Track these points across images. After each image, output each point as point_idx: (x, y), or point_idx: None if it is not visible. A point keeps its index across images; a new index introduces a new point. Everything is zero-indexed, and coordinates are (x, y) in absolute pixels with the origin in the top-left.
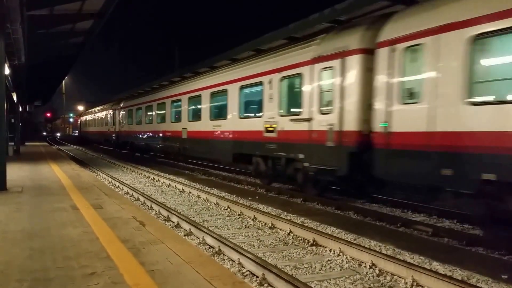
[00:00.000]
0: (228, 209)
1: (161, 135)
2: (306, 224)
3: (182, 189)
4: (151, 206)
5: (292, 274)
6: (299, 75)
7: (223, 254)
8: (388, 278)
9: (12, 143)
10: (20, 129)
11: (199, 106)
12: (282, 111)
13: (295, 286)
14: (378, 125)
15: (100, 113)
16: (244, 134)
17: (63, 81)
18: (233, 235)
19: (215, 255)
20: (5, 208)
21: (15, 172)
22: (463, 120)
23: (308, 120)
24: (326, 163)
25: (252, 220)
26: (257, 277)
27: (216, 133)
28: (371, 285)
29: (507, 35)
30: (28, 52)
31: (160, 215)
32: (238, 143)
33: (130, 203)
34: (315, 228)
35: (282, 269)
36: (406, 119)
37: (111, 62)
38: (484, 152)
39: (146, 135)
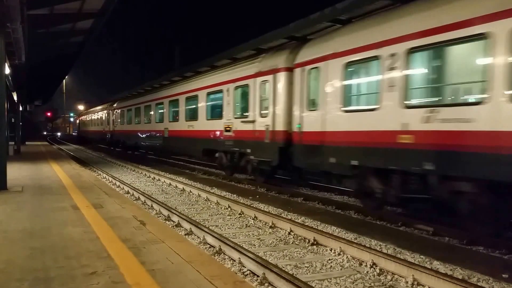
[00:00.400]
0: (229, 209)
1: (148, 134)
2: (306, 224)
3: (183, 188)
4: (152, 206)
5: (293, 274)
6: (247, 85)
7: (224, 254)
8: (389, 277)
9: (13, 143)
10: (21, 128)
11: (177, 109)
12: (236, 114)
13: (295, 286)
14: (295, 126)
15: (97, 114)
16: (210, 133)
17: (64, 80)
18: (234, 234)
19: (216, 254)
20: (6, 208)
21: (16, 172)
22: (341, 123)
23: (253, 121)
24: (265, 156)
25: (253, 219)
26: (258, 276)
27: (190, 132)
28: (372, 284)
29: (363, 63)
30: (29, 52)
31: (161, 215)
32: (206, 140)
33: (131, 202)
34: (316, 227)
35: (283, 269)
36: (310, 122)
37: (111, 61)
38: (351, 145)
39: (135, 134)
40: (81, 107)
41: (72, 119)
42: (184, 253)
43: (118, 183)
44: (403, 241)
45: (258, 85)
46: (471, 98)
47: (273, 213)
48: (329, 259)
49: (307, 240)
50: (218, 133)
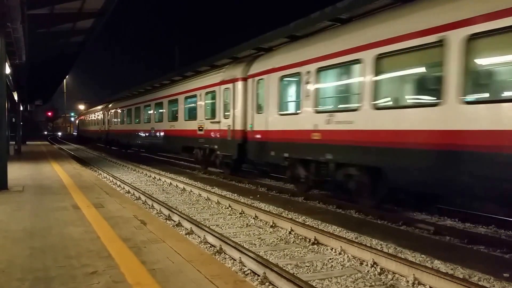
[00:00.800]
0: (229, 208)
1: (138, 133)
2: (307, 223)
3: (183, 188)
4: (152, 205)
5: (294, 273)
6: (214, 91)
7: (224, 253)
8: (390, 276)
9: (13, 142)
10: (21, 128)
11: (161, 111)
12: (206, 116)
13: (296, 285)
14: (248, 126)
15: (94, 115)
16: (188, 132)
17: (64, 80)
18: (234, 234)
19: (216, 254)
20: (6, 207)
21: (16, 171)
22: (277, 123)
23: (218, 122)
24: (228, 151)
25: (254, 219)
26: (259, 276)
27: (172, 131)
28: (373, 283)
29: (292, 77)
30: (29, 51)
31: (161, 214)
32: (184, 138)
33: (131, 202)
34: (317, 226)
35: (284, 268)
36: (259, 123)
37: (111, 61)
38: (284, 141)
39: (127, 133)
40: (81, 107)
41: (72, 119)
42: (185, 252)
43: (118, 183)
44: (403, 240)
45: (222, 91)
46: (352, 106)
47: (274, 212)
48: (330, 259)
49: (307, 240)
50: (193, 132)
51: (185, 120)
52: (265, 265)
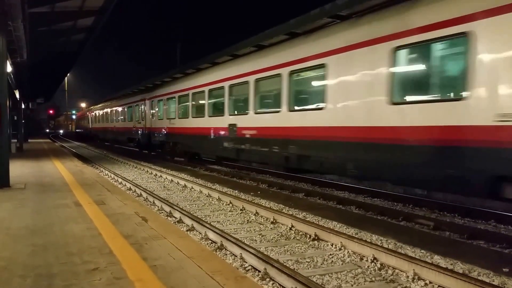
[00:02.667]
0: (230, 204)
1: (108, 129)
2: (307, 219)
3: (185, 184)
4: (154, 202)
5: (294, 269)
6: (137, 105)
7: (225, 249)
8: (390, 271)
9: (15, 140)
10: (23, 126)
11: (120, 114)
12: (136, 119)
13: (297, 280)
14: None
15: (83, 115)
16: (131, 128)
17: (65, 78)
18: (235, 230)
19: (217, 250)
20: (9, 205)
21: (18, 169)
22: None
23: (140, 122)
24: (141, 139)
25: (254, 215)
26: (259, 271)
27: (121, 128)
28: (373, 279)
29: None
30: (30, 49)
31: (163, 211)
32: (128, 132)
33: (133, 199)
34: (317, 222)
35: (284, 264)
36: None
37: (113, 58)
38: (157, 131)
39: (102, 130)
40: (83, 105)
41: (74, 117)
42: (186, 249)
43: (120, 180)
44: (403, 235)
45: (139, 105)
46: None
47: (274, 208)
48: (330, 254)
49: (308, 236)
50: (133, 128)
51: (128, 121)
52: (266, 261)
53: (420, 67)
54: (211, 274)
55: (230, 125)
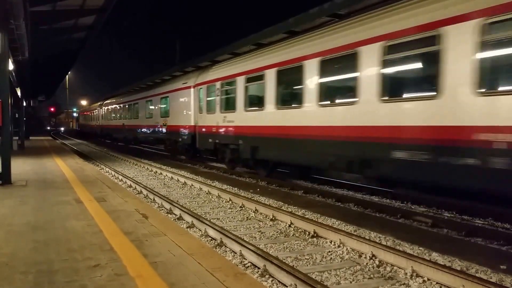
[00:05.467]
0: (230, 202)
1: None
2: (306, 216)
3: (185, 182)
4: (154, 199)
5: (293, 266)
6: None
7: (225, 246)
8: (388, 268)
9: (17, 138)
10: (25, 123)
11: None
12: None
13: (296, 277)
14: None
15: (78, 115)
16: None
17: (67, 76)
18: (235, 227)
19: (217, 247)
20: (10, 202)
21: (20, 166)
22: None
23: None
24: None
25: (254, 212)
26: (259, 268)
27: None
28: (371, 276)
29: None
30: (32, 48)
31: (163, 208)
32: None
33: (133, 196)
34: (316, 220)
35: (283, 261)
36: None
37: (113, 56)
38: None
39: (92, 127)
40: (84, 102)
41: (75, 114)
42: (186, 245)
43: (120, 177)
44: (402, 233)
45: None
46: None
47: (274, 206)
48: (329, 251)
49: (307, 233)
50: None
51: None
52: (265, 258)
53: None
54: (211, 271)
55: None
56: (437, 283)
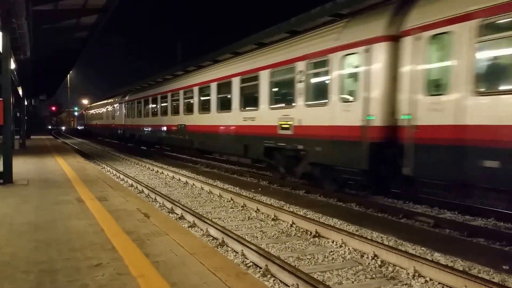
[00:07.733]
0: (231, 201)
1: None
2: (308, 216)
3: (186, 181)
4: (155, 199)
5: (295, 265)
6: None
7: (227, 246)
8: (390, 268)
9: (18, 137)
10: (26, 122)
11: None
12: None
13: (298, 277)
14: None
15: (80, 115)
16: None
17: (68, 75)
18: (237, 226)
19: (219, 246)
20: (12, 201)
21: (21, 165)
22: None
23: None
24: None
25: (255, 212)
26: (260, 268)
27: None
28: (373, 276)
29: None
30: (33, 47)
31: (164, 207)
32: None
33: (135, 195)
34: (318, 219)
35: (285, 260)
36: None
37: (114, 56)
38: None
39: (94, 127)
40: (85, 102)
41: (76, 113)
42: (188, 245)
43: (122, 176)
44: (404, 233)
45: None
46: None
47: (275, 205)
48: (331, 251)
49: (309, 232)
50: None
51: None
52: (267, 257)
53: None
54: (213, 270)
55: None
56: (439, 283)
